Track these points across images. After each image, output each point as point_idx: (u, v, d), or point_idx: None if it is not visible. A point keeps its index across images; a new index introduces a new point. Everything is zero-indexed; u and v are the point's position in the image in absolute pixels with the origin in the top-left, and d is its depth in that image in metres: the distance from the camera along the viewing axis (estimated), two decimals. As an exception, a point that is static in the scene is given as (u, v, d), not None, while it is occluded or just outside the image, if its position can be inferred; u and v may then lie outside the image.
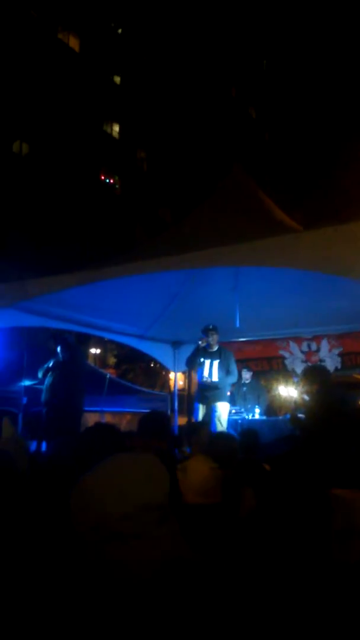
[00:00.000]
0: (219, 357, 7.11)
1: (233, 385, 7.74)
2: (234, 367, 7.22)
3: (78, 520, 1.20)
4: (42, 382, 7.56)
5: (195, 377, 7.69)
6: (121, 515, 1.17)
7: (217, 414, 6.93)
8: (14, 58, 19.90)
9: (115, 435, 2.19)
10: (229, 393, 7.37)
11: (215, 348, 7.15)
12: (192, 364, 7.36)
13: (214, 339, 7.09)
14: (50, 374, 7.29)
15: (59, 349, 7.33)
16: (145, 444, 3.14)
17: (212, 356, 7.11)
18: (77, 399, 7.32)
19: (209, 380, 7.03)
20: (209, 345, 7.10)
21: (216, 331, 7.09)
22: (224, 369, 7.11)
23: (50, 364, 7.37)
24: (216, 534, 2.00)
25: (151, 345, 9.00)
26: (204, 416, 7.03)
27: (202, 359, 7.12)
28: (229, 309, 7.24)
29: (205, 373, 7.07)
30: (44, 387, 7.34)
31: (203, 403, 7.14)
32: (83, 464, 2.42)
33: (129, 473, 1.24)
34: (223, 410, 7.03)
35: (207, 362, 7.10)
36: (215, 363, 7.09)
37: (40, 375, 7.47)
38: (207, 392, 7.08)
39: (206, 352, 7.12)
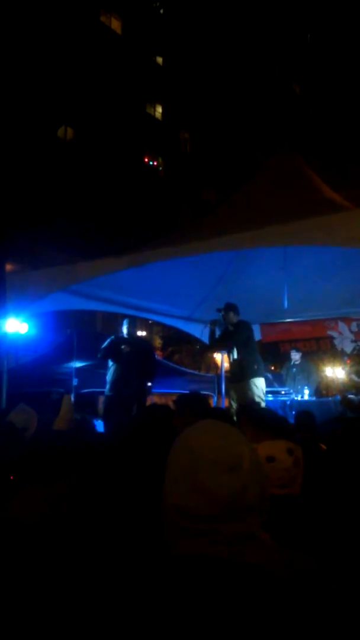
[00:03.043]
0: (239, 334, 6.83)
1: (277, 366, 7.57)
2: (244, 336, 6.83)
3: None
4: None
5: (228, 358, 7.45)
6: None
7: (251, 394, 6.61)
8: (56, 44, 19.98)
9: (171, 414, 2.23)
10: (256, 367, 6.93)
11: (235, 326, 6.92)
12: (213, 347, 7.20)
13: (229, 316, 6.77)
14: (120, 353, 6.90)
15: (127, 328, 7.10)
16: (183, 423, 3.17)
17: (233, 334, 6.89)
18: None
19: (233, 359, 6.85)
20: (225, 324, 6.87)
21: (230, 309, 6.75)
22: (245, 344, 6.87)
23: (114, 344, 7.00)
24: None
25: (197, 327, 9.00)
26: (240, 396, 6.80)
27: (225, 340, 6.96)
28: (276, 289, 7.16)
29: (233, 352, 6.88)
30: (114, 365, 6.97)
31: (232, 382, 7.00)
32: (141, 441, 2.47)
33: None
34: (256, 387, 6.68)
35: (229, 340, 6.93)
36: (237, 340, 6.87)
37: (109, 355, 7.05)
38: (234, 370, 6.90)
39: (228, 332, 6.93)
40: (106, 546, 1.62)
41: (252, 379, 6.68)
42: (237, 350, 6.78)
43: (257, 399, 6.55)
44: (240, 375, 6.79)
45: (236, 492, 1.12)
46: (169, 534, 1.16)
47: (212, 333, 7.10)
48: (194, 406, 3.38)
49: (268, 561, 1.08)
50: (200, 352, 21.43)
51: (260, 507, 1.16)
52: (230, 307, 6.79)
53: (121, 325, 7.35)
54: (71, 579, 1.42)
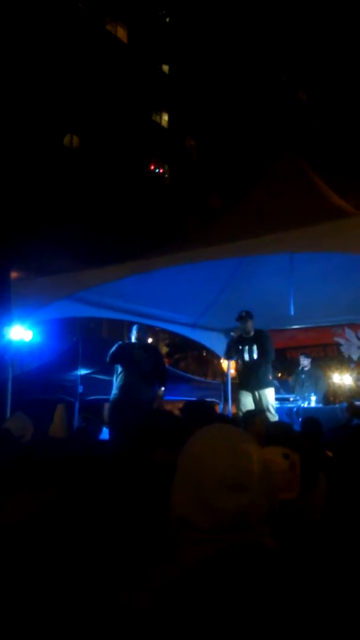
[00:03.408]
0: (256, 341, 6.97)
1: (283, 373, 7.63)
2: (268, 346, 7.00)
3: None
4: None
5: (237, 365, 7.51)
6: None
7: (264, 402, 6.80)
8: (63, 52, 20.11)
9: (175, 419, 2.19)
10: (271, 377, 7.20)
11: (252, 333, 7.02)
12: (230, 355, 7.26)
13: (248, 325, 6.94)
14: (129, 358, 6.69)
15: (137, 334, 6.85)
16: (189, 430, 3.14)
17: (249, 342, 6.98)
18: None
19: (248, 362, 6.90)
20: (244, 332, 6.97)
21: (250, 317, 6.93)
22: (264, 350, 6.97)
23: (122, 349, 6.79)
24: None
25: (203, 334, 8.98)
26: (253, 403, 6.90)
27: (240, 347, 7.02)
28: (282, 296, 7.11)
29: (247, 354, 6.96)
30: (124, 371, 6.73)
31: (247, 390, 7.03)
32: (146, 447, 2.44)
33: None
34: (269, 396, 6.90)
35: (247, 347, 6.98)
36: (254, 347, 6.95)
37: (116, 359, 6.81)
38: (249, 378, 6.97)
39: (243, 339, 7.00)
40: (95, 553, 1.59)
41: (266, 389, 6.86)
42: (257, 357, 6.91)
43: (270, 408, 6.73)
44: (254, 384, 6.90)
45: (243, 509, 1.09)
46: (176, 543, 1.14)
47: (233, 341, 7.12)
48: (198, 414, 3.35)
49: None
50: (207, 359, 21.42)
51: (267, 520, 1.13)
52: (250, 316, 6.94)
53: (130, 331, 7.28)
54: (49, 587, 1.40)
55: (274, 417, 6.67)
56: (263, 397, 6.83)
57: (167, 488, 1.17)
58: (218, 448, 1.14)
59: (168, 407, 10.86)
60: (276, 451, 2.07)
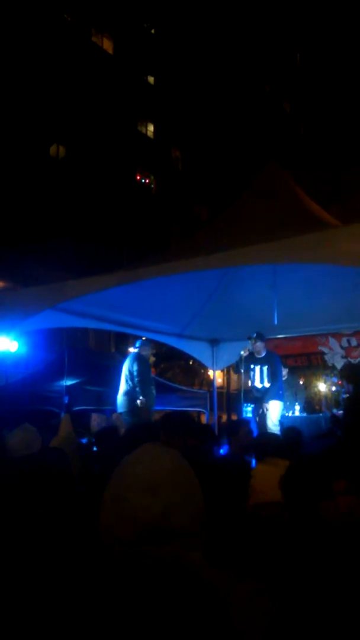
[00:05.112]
0: (268, 363, 7.12)
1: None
2: (278, 370, 7.23)
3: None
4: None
5: (237, 377, 7.70)
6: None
7: (268, 414, 6.95)
8: (48, 63, 20.18)
9: (153, 433, 2.21)
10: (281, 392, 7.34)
11: (263, 354, 7.15)
12: (240, 371, 7.39)
13: (258, 346, 7.09)
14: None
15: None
16: (167, 440, 3.16)
17: (261, 362, 7.13)
18: None
19: (260, 387, 7.07)
20: (254, 351, 7.12)
21: (260, 338, 7.08)
22: (273, 374, 7.12)
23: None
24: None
25: (189, 344, 9.01)
26: (256, 415, 7.06)
27: (252, 365, 7.16)
28: (267, 305, 7.19)
29: (257, 379, 7.13)
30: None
31: (253, 403, 7.18)
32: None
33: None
34: (273, 409, 7.02)
35: (257, 368, 7.13)
36: (265, 369, 7.11)
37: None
38: (258, 394, 7.13)
39: (255, 359, 7.14)
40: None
41: (271, 401, 7.04)
42: (268, 379, 7.10)
43: (274, 421, 6.91)
44: (262, 399, 7.08)
45: (159, 514, 1.12)
46: (104, 558, 1.17)
47: (242, 360, 7.24)
48: (172, 426, 3.37)
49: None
50: (193, 369, 21.43)
51: (190, 531, 1.15)
52: (262, 337, 7.12)
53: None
54: None
55: (276, 431, 6.76)
56: (267, 410, 6.98)
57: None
58: (138, 459, 1.21)
59: (154, 417, 10.86)
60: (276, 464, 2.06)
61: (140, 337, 7.72)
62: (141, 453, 1.23)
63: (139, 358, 7.45)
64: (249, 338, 7.08)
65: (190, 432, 3.33)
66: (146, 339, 7.70)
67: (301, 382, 9.38)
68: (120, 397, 7.43)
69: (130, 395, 7.28)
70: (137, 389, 7.21)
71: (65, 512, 1.88)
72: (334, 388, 9.20)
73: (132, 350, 8.03)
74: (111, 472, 1.23)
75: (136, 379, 7.25)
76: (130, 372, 7.31)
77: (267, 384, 7.03)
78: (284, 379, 8.31)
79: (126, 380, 7.32)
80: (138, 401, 7.16)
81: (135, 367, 7.32)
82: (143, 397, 7.16)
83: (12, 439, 3.71)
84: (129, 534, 1.12)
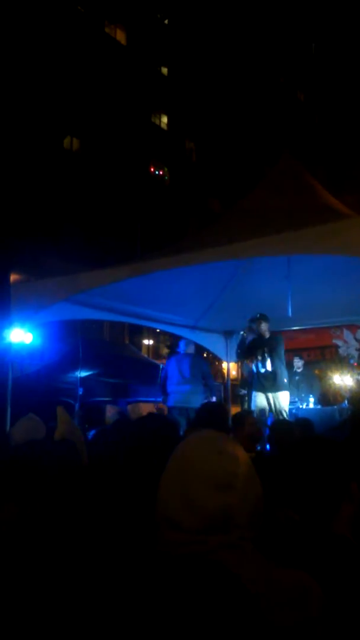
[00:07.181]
0: (271, 347, 7.04)
1: None
2: (281, 352, 7.15)
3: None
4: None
5: (249, 366, 7.64)
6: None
7: (278, 405, 6.91)
8: (62, 55, 20.16)
9: (167, 424, 2.21)
10: (286, 380, 7.28)
11: (268, 336, 7.08)
12: (243, 356, 7.33)
13: (263, 327, 7.00)
14: None
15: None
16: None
17: (266, 344, 7.04)
18: None
19: (266, 370, 6.98)
20: (258, 334, 7.04)
21: (265, 319, 7.00)
22: (278, 356, 7.04)
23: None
24: None
25: (203, 336, 9.00)
26: (263, 405, 7.00)
27: (257, 349, 7.09)
28: (281, 297, 7.14)
29: (261, 363, 7.03)
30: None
31: (261, 391, 7.10)
32: (134, 453, 2.46)
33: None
34: (283, 400, 6.99)
35: (261, 354, 7.05)
36: (269, 354, 7.03)
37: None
38: (264, 381, 7.05)
39: (258, 344, 7.07)
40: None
41: (282, 391, 7.00)
42: (271, 361, 6.99)
43: (283, 412, 6.88)
44: (272, 387, 7.00)
45: (228, 508, 1.13)
46: (161, 544, 1.18)
47: (243, 342, 7.20)
48: (211, 417, 3.38)
49: (243, 570, 1.10)
50: (207, 361, 21.40)
51: (250, 523, 1.17)
52: (264, 318, 6.99)
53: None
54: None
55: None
56: (277, 400, 6.93)
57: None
58: (206, 451, 1.19)
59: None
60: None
61: (182, 338, 8.29)
62: (205, 442, 1.23)
63: (204, 359, 8.07)
64: (253, 320, 7.00)
65: (222, 427, 3.35)
66: (188, 339, 8.04)
67: (316, 373, 9.33)
68: (188, 395, 7.63)
69: (204, 394, 7.83)
70: (211, 389, 7.98)
71: (72, 498, 1.90)
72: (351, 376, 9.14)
73: (168, 351, 8.96)
74: (138, 463, 1.24)
75: (209, 379, 7.95)
76: (203, 373, 7.87)
77: (270, 368, 6.95)
78: (299, 370, 8.27)
79: (196, 379, 7.76)
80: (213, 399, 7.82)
81: (205, 368, 8.00)
82: (212, 395, 7.93)
83: (16, 427, 3.71)
84: (195, 523, 1.13)
